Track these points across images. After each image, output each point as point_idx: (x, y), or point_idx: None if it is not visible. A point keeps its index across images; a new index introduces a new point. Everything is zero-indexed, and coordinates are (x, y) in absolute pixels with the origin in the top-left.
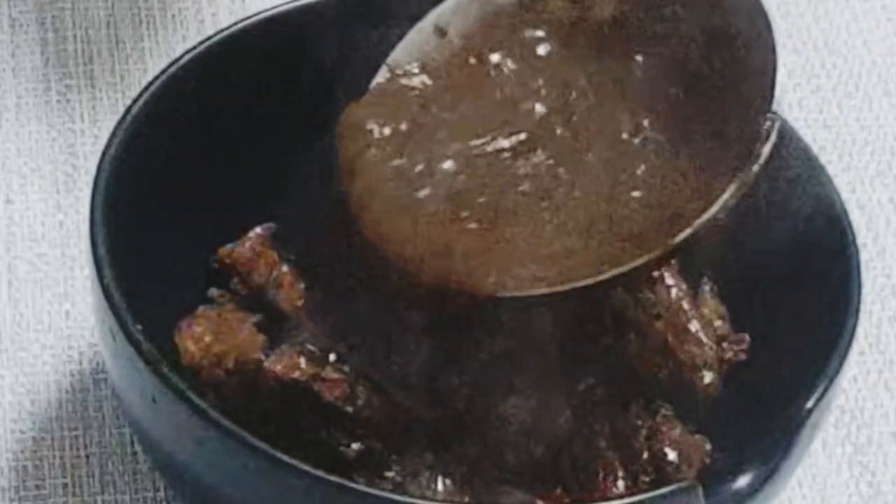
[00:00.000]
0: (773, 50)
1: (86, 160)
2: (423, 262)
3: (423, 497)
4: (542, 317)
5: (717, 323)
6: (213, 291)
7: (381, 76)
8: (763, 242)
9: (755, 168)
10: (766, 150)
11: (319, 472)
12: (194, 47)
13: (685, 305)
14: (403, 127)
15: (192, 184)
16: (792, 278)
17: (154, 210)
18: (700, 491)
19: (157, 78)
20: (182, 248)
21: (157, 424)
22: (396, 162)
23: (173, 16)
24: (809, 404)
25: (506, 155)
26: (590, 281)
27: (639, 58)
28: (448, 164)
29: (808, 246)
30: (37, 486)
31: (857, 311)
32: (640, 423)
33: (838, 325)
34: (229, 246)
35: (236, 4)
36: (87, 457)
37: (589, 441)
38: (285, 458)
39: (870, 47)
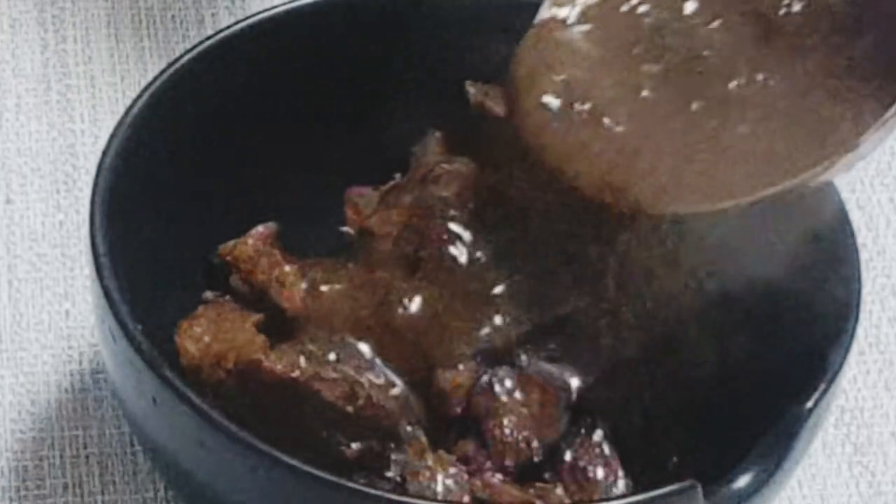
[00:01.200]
0: None
1: (86, 160)
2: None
3: (423, 497)
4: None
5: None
6: (209, 295)
7: (545, 11)
8: (763, 242)
9: None
10: None
11: (319, 472)
12: (194, 47)
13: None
14: (577, 58)
15: (192, 183)
16: (792, 278)
17: (154, 210)
18: (700, 491)
19: (157, 78)
20: (182, 248)
21: (157, 424)
22: (573, 88)
23: (173, 16)
24: (809, 404)
25: (682, 73)
26: (787, 185)
27: None
28: (627, 90)
29: (808, 246)
30: (37, 486)
31: (857, 310)
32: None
33: (838, 324)
34: (231, 242)
35: (236, 4)
36: (87, 457)
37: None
38: (285, 457)
39: None
